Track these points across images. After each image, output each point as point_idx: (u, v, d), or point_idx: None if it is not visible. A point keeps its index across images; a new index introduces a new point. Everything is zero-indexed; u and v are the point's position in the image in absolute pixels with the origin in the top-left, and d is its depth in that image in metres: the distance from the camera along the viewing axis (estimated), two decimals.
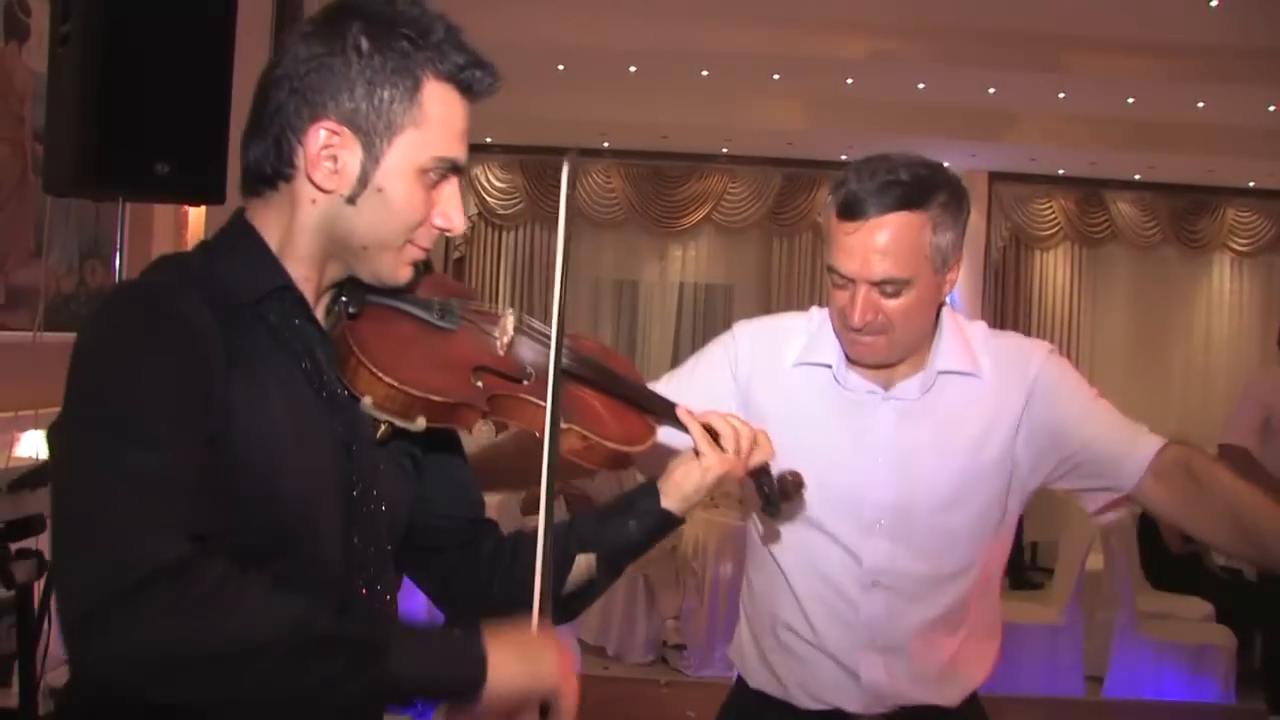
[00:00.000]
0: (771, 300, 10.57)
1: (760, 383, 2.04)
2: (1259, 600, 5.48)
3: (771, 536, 2.03)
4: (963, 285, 10.85)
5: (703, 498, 1.58)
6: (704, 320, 10.82)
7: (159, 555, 1.06)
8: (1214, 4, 6.56)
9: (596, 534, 1.54)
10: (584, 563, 1.54)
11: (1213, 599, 5.89)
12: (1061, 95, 8.39)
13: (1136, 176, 10.81)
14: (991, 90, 8.34)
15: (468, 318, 1.49)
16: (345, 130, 1.28)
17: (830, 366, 1.98)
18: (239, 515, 1.20)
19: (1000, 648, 2.11)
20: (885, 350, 1.91)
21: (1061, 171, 10.88)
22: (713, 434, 1.55)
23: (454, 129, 1.34)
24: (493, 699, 1.18)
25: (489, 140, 10.57)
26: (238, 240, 1.34)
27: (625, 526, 1.55)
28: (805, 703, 2.01)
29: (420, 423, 1.33)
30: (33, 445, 3.84)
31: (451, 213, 1.36)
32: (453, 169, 1.34)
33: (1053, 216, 11.14)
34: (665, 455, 1.62)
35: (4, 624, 3.45)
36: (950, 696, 2.00)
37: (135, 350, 1.17)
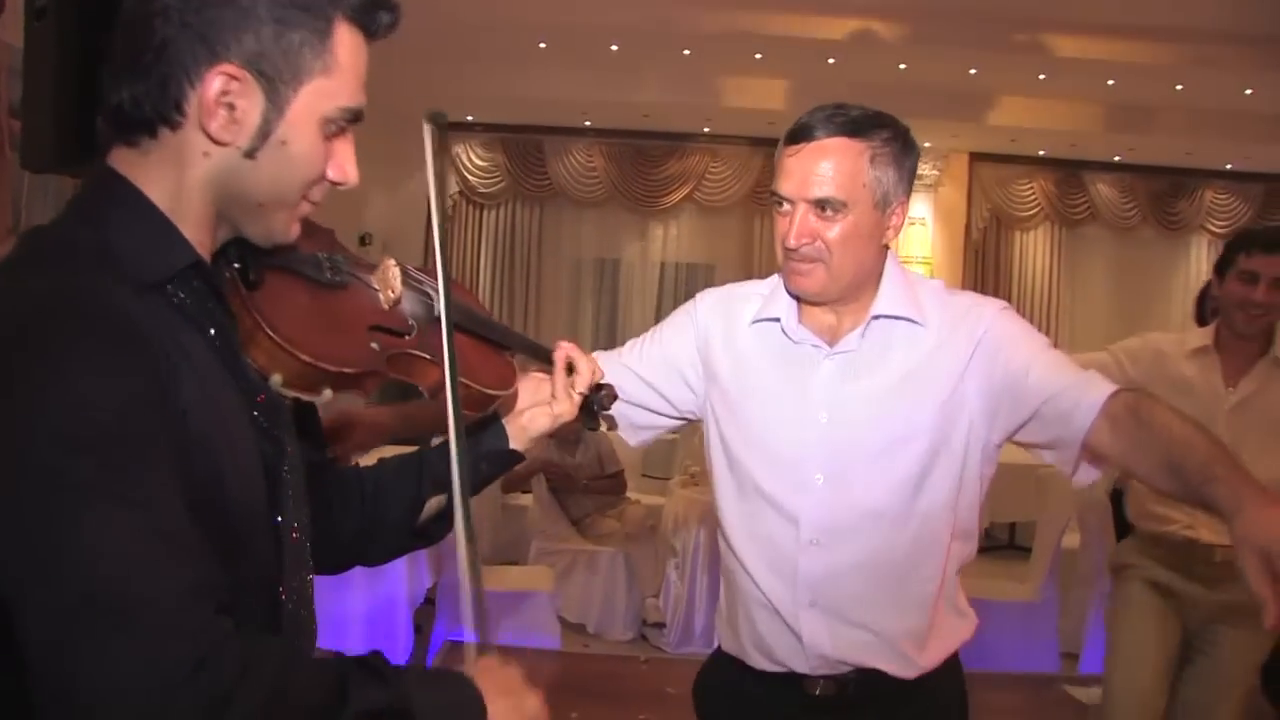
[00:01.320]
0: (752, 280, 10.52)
1: (718, 345, 2.08)
2: None
3: (723, 496, 2.07)
4: (943, 265, 10.88)
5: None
6: (685, 299, 10.60)
7: (202, 636, 0.96)
8: None
9: (447, 475, 1.40)
10: (435, 501, 1.56)
11: None
12: (1042, 77, 8.41)
13: (1116, 158, 10.85)
14: (973, 71, 8.35)
15: (353, 272, 1.39)
16: (247, 75, 1.12)
17: (779, 320, 2.01)
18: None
19: (975, 629, 2.10)
20: (823, 280, 1.92)
21: (1042, 153, 10.91)
22: (570, 370, 1.62)
23: (359, 75, 1.21)
24: None
25: (470, 119, 10.54)
26: (125, 207, 1.15)
27: (477, 471, 1.56)
28: (760, 663, 2.04)
29: (326, 394, 1.26)
30: None
31: (347, 165, 1.23)
32: (354, 119, 1.22)
33: (1033, 197, 11.17)
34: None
35: None
36: (904, 667, 1.98)
37: (91, 376, 1.00)
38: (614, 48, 8.22)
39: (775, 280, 2.08)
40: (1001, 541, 8.54)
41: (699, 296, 2.18)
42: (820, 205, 1.88)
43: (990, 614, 5.38)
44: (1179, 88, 8.39)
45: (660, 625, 6.04)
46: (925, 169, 10.89)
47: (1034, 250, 11.36)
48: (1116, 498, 4.62)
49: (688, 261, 11.08)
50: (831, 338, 1.99)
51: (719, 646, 2.17)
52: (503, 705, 1.18)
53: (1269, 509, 1.51)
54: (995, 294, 11.13)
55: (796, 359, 2.00)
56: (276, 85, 1.14)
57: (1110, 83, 8.42)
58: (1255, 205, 10.98)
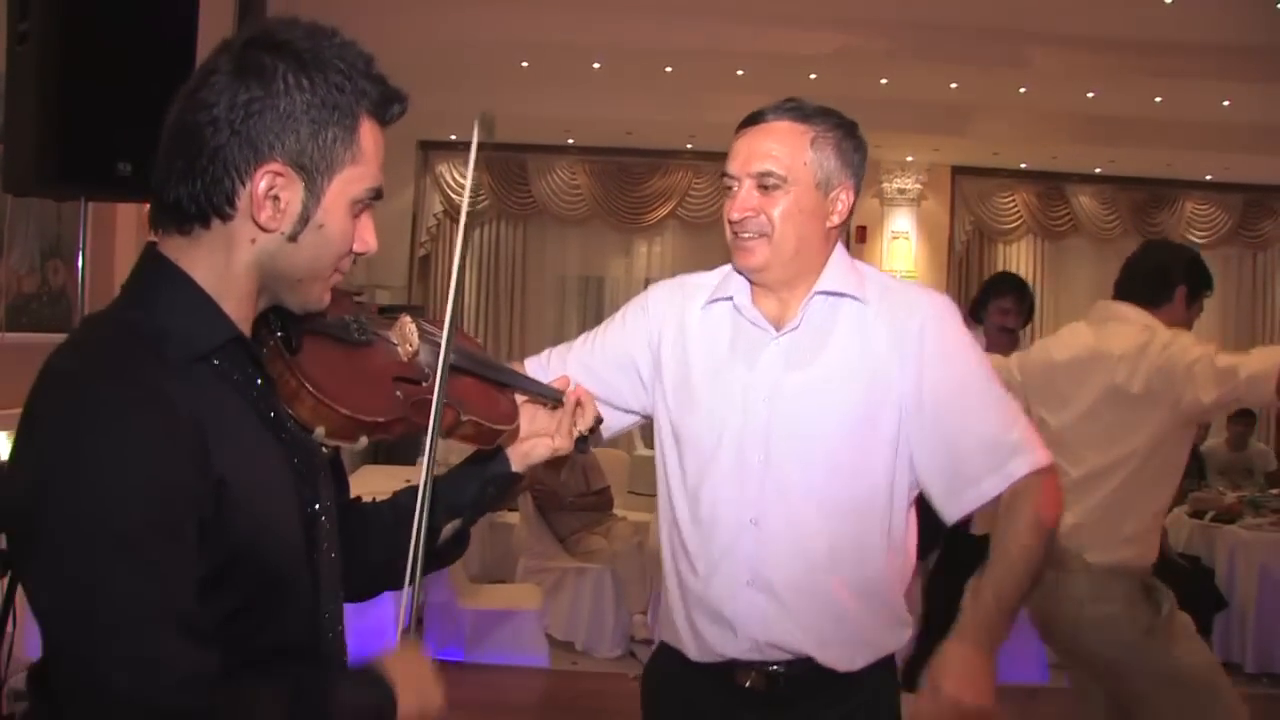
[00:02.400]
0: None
1: (670, 332, 2.15)
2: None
3: (672, 483, 2.13)
4: (927, 278, 10.92)
5: None
6: None
7: (190, 688, 1.14)
8: (1169, 1, 6.64)
9: (459, 501, 1.69)
10: (450, 526, 1.71)
11: (1172, 585, 5.94)
12: (1023, 90, 8.46)
13: (1097, 170, 10.92)
14: (954, 85, 8.40)
15: (374, 330, 1.56)
16: (290, 171, 1.28)
17: (732, 298, 2.09)
18: (232, 582, 1.24)
19: (911, 641, 2.12)
20: (766, 254, 2.00)
21: (1023, 165, 10.97)
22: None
23: (380, 160, 1.37)
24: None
25: (454, 138, 10.55)
26: (172, 289, 1.30)
27: (484, 492, 1.73)
28: (695, 653, 2.08)
29: (363, 441, 1.41)
30: None
31: (368, 237, 1.38)
32: (376, 197, 1.37)
33: (1015, 210, 11.23)
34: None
35: None
36: (840, 659, 2.00)
37: (123, 447, 1.16)
38: (596, 66, 8.25)
39: (725, 269, 2.16)
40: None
41: (650, 289, 2.27)
42: (762, 181, 1.98)
43: None
44: (1158, 99, 8.45)
45: (648, 642, 6.02)
46: (908, 183, 10.94)
47: (1017, 262, 11.40)
48: None
49: (671, 277, 11.09)
50: (778, 322, 2.05)
51: (661, 640, 2.21)
52: (410, 697, 1.34)
53: (950, 645, 1.88)
54: None
55: (745, 341, 2.06)
56: (314, 177, 1.30)
57: (1090, 95, 8.47)
58: (1235, 215, 11.06)
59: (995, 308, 5.05)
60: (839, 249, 2.08)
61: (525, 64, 8.18)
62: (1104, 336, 3.33)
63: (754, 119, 2.03)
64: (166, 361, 1.23)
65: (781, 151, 1.98)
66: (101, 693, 1.11)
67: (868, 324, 2.01)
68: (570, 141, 10.69)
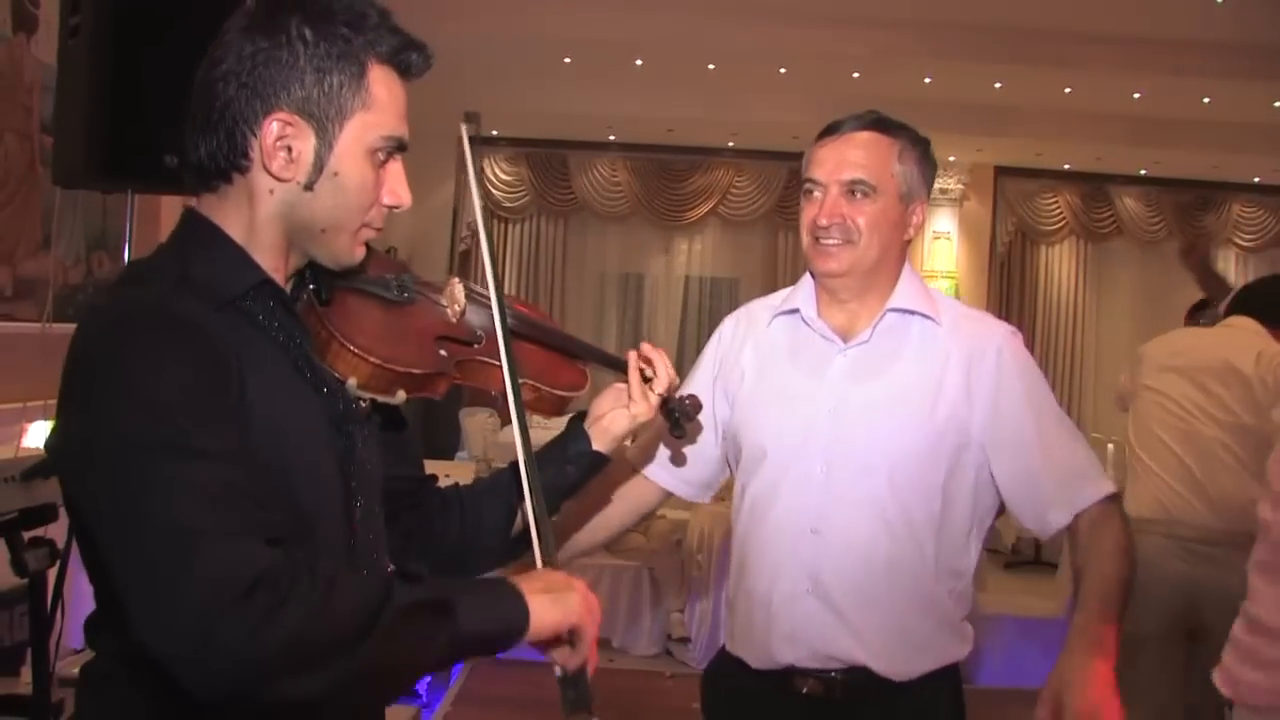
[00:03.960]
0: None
1: (737, 352, 2.19)
2: None
3: (738, 491, 2.16)
4: (969, 279, 10.86)
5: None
6: (709, 313, 10.83)
7: (255, 562, 1.12)
8: (1219, 0, 6.56)
9: (539, 483, 1.58)
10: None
11: None
12: (1068, 90, 8.39)
13: (1142, 171, 10.81)
14: (998, 85, 8.34)
15: (420, 290, 1.57)
16: (298, 119, 1.31)
17: (799, 310, 2.11)
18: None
19: (970, 652, 2.13)
20: (850, 260, 2.02)
21: (1067, 166, 10.88)
22: (645, 376, 1.72)
23: (397, 109, 1.37)
24: (532, 638, 1.31)
25: (495, 133, 10.59)
26: (205, 239, 1.35)
27: (564, 472, 1.71)
28: (755, 660, 2.10)
29: (400, 395, 1.43)
30: (42, 435, 3.85)
31: (399, 189, 1.40)
32: (399, 147, 1.38)
33: (1058, 211, 11.14)
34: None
35: (17, 612, 3.47)
36: (898, 668, 2.02)
37: (162, 364, 1.19)
38: (638, 63, 8.25)
39: (790, 288, 2.19)
40: (1028, 557, 8.47)
41: (724, 321, 2.29)
42: (851, 188, 2.01)
43: (1018, 630, 5.37)
44: (1206, 101, 8.35)
45: (685, 640, 6.02)
46: (950, 183, 10.87)
47: (1060, 264, 11.32)
48: None
49: (712, 276, 11.09)
50: (846, 334, 2.07)
51: (724, 645, 2.23)
52: (544, 600, 1.31)
53: (1073, 655, 1.84)
54: (1021, 308, 11.16)
55: (812, 352, 2.09)
56: (324, 124, 1.32)
57: (1136, 96, 8.39)
58: None
59: None
60: (911, 270, 2.12)
61: (567, 60, 8.20)
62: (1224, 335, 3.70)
63: (836, 129, 2.06)
64: (199, 301, 1.27)
65: (871, 161, 2.01)
66: (181, 607, 1.09)
67: (939, 345, 2.04)
68: (611, 138, 10.70)
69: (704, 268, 11.08)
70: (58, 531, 2.71)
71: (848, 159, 2.01)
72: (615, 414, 1.72)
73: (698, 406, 1.74)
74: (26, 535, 2.66)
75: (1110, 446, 9.35)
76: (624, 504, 2.21)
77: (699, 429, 2.10)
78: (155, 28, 2.82)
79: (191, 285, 1.28)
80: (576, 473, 1.72)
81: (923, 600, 2.03)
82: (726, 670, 2.19)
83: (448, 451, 9.07)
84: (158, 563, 1.11)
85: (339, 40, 1.31)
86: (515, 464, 1.62)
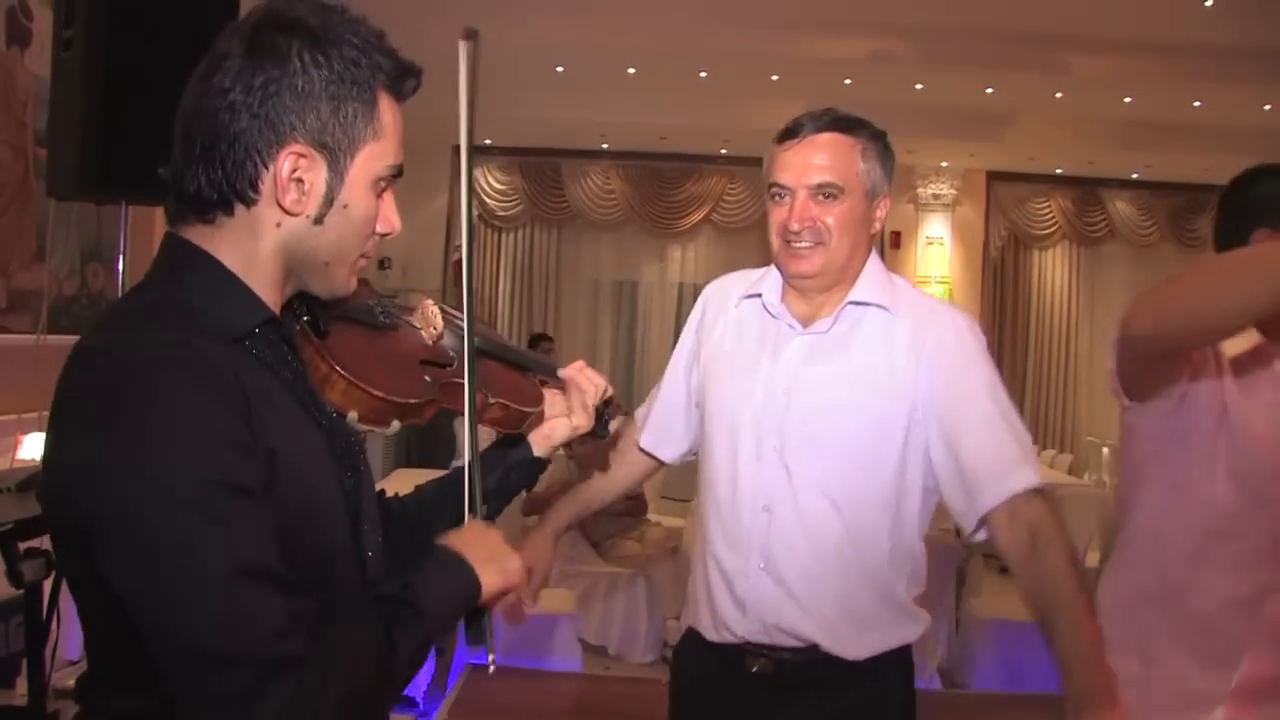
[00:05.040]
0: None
1: (710, 319, 2.27)
2: None
3: (700, 468, 2.24)
4: (962, 284, 10.87)
5: None
6: None
7: (298, 635, 1.12)
8: (1209, 4, 6.58)
9: (484, 488, 1.64)
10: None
11: None
12: (1059, 95, 8.41)
13: (1134, 175, 10.84)
14: (989, 90, 8.36)
15: (398, 314, 1.57)
16: (312, 151, 1.26)
17: (761, 295, 2.18)
18: (286, 558, 1.21)
19: (921, 635, 2.14)
20: (822, 261, 2.07)
21: (1059, 171, 10.91)
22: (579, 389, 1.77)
23: (400, 135, 1.35)
24: (484, 600, 1.38)
25: (488, 142, 10.60)
26: (201, 271, 1.28)
27: (508, 479, 1.74)
28: (710, 633, 2.16)
29: (394, 426, 1.42)
30: (36, 447, 3.85)
31: (392, 216, 1.37)
32: (397, 175, 1.36)
33: (1051, 216, 11.17)
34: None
35: (12, 623, 3.47)
36: (847, 646, 2.05)
37: (202, 416, 1.13)
38: (631, 71, 8.26)
39: (763, 270, 2.25)
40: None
41: (704, 292, 2.37)
42: (819, 191, 2.05)
43: (1014, 635, 5.37)
44: (1196, 104, 8.38)
45: None
46: (943, 188, 10.90)
47: (1052, 268, 11.34)
48: None
49: (706, 282, 11.07)
50: (807, 322, 2.13)
51: (689, 625, 2.29)
52: (490, 569, 1.38)
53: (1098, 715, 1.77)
54: (1014, 312, 11.17)
55: (772, 336, 2.15)
56: (337, 155, 1.28)
57: (1127, 100, 8.41)
58: None
59: None
60: (875, 259, 2.16)
61: (560, 69, 8.21)
62: None
63: (797, 131, 2.09)
64: (213, 341, 1.21)
65: (836, 163, 2.05)
66: (198, 657, 1.09)
67: (891, 331, 2.08)
68: (605, 146, 10.71)
69: (698, 275, 11.08)
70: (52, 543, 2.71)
71: (813, 162, 2.05)
72: (557, 422, 1.76)
73: (619, 409, 1.84)
74: (22, 546, 2.67)
75: (1105, 450, 9.38)
76: (630, 457, 2.39)
77: (617, 430, 2.20)
78: (148, 40, 2.84)
79: (196, 321, 1.22)
80: (518, 478, 1.76)
81: (872, 580, 2.06)
82: (689, 647, 2.26)
83: (442, 461, 9.07)
84: (200, 633, 1.09)
85: (350, 66, 1.27)
86: (461, 469, 1.65)
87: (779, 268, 2.16)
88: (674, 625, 6.13)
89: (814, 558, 2.04)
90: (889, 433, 2.03)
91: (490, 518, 1.68)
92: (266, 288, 1.31)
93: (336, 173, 1.28)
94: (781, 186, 2.08)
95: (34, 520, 2.67)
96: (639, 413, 2.38)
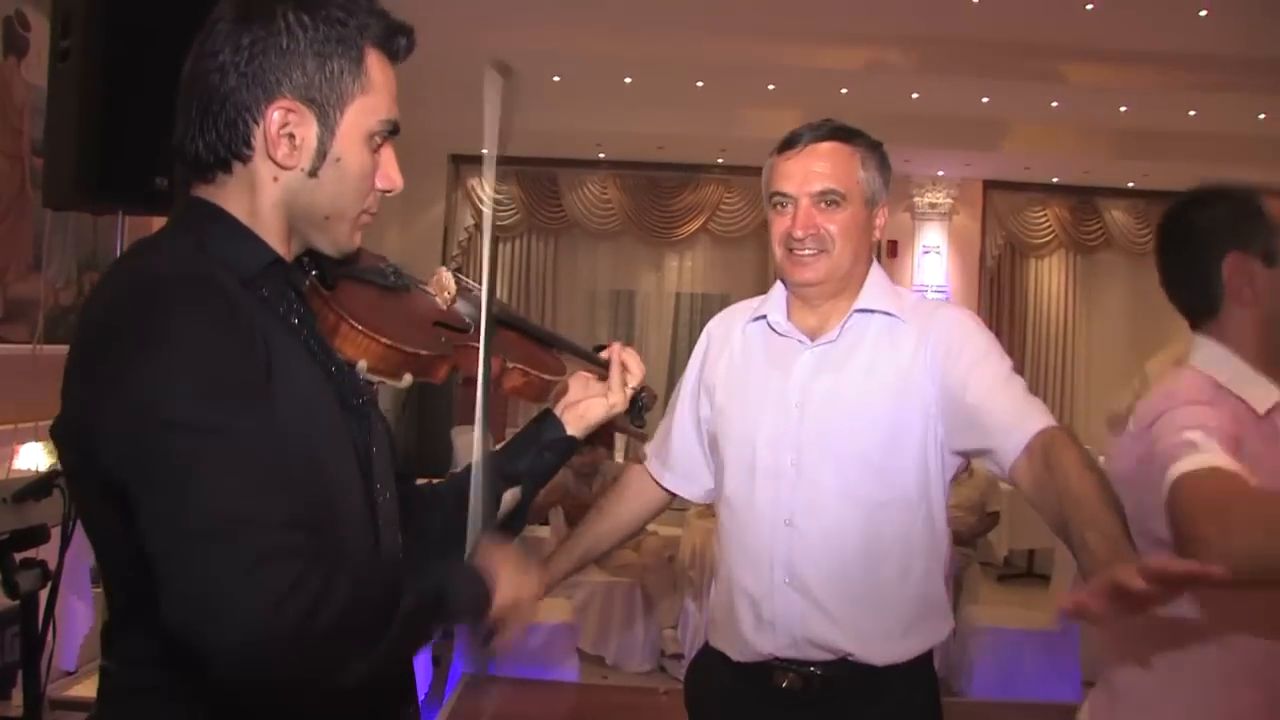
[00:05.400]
0: None
1: (715, 353, 2.29)
2: None
3: (719, 489, 2.23)
4: (959, 293, 10.87)
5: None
6: (700, 330, 10.69)
7: (300, 555, 1.12)
8: (1203, 14, 6.60)
9: (517, 469, 1.73)
10: (510, 495, 1.73)
11: None
12: (1055, 104, 8.43)
13: (1130, 184, 10.85)
14: (985, 99, 8.38)
15: (410, 279, 1.60)
16: (300, 106, 1.31)
17: (766, 316, 2.20)
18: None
19: (950, 632, 2.16)
20: (826, 268, 2.08)
21: (1055, 180, 10.92)
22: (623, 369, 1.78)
23: (391, 91, 1.39)
24: (497, 612, 1.38)
25: (485, 151, 10.57)
26: (214, 222, 1.34)
27: (541, 458, 1.76)
28: (736, 653, 2.15)
29: (407, 379, 1.45)
30: (33, 457, 3.85)
31: (392, 173, 1.41)
32: (393, 130, 1.40)
33: (1047, 224, 11.18)
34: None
35: (8, 634, 3.46)
36: (882, 653, 2.05)
37: (210, 337, 1.17)
38: (627, 80, 8.27)
39: (763, 296, 2.27)
40: (1020, 569, 8.48)
41: (707, 326, 2.40)
42: (821, 198, 2.07)
43: (1011, 642, 5.37)
44: (1192, 113, 8.40)
45: (679, 656, 6.01)
46: (939, 197, 10.91)
47: (1049, 277, 11.35)
48: None
49: (703, 292, 11.10)
50: (815, 335, 2.14)
51: (707, 641, 2.29)
52: (506, 580, 1.39)
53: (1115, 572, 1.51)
54: (1011, 322, 11.17)
55: (781, 353, 2.16)
56: (326, 109, 1.33)
57: (1123, 109, 8.43)
58: None
59: None
60: (877, 267, 2.18)
61: (557, 78, 8.22)
62: None
63: (797, 141, 2.11)
64: (225, 273, 1.26)
65: (838, 170, 2.08)
66: (199, 537, 1.09)
67: (898, 335, 2.09)
68: (601, 156, 10.71)
69: (694, 284, 11.09)
70: (49, 553, 2.71)
71: (815, 170, 2.07)
72: (592, 402, 1.78)
73: (654, 397, 1.84)
74: (18, 556, 2.66)
75: (1102, 459, 9.39)
76: (637, 504, 2.39)
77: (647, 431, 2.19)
78: (145, 51, 2.84)
79: (211, 258, 1.28)
80: (552, 458, 1.77)
81: (901, 582, 2.07)
82: (708, 664, 2.25)
83: (440, 469, 9.06)
84: (205, 552, 1.09)
85: (336, 25, 1.32)
86: (496, 452, 1.69)
87: (782, 277, 2.18)
88: (670, 635, 6.13)
89: (841, 567, 2.04)
90: (906, 432, 2.04)
91: (526, 499, 1.74)
92: (272, 240, 1.36)
93: (327, 127, 1.33)
94: (784, 195, 2.10)
95: (30, 530, 2.67)
96: (647, 448, 2.37)
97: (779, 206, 2.12)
